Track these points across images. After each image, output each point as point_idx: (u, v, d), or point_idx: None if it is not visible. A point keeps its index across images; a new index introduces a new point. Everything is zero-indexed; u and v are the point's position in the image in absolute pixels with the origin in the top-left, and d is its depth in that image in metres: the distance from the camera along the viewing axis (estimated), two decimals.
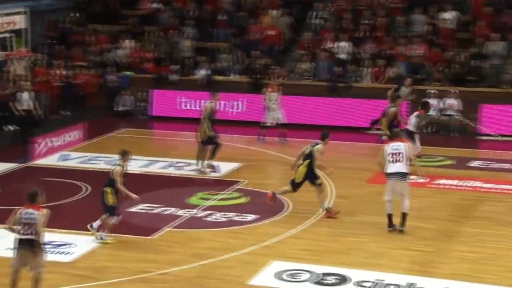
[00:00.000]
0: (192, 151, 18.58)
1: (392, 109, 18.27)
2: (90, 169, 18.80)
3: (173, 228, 14.50)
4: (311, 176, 15.00)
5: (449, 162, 18.88)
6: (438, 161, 19.36)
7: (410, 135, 17.34)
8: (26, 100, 22.16)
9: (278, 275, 12.15)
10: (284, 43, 26.51)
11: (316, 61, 25.25)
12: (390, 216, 14.15)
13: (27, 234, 10.58)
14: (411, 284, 11.78)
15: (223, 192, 16.65)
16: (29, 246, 10.61)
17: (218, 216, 15.18)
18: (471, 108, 21.63)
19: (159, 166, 19.06)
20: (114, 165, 13.73)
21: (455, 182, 17.50)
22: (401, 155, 13.96)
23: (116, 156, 14.25)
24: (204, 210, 15.58)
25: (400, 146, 14.10)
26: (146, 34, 28.01)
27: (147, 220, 14.97)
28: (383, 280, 11.89)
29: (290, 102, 23.13)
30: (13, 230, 10.80)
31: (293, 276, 12.10)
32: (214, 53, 26.71)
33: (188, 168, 18.55)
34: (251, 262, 12.84)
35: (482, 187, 17.14)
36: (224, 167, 18.61)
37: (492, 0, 25.36)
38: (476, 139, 19.57)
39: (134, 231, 14.28)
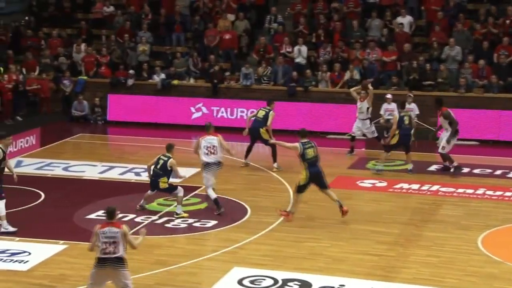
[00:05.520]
0: (149, 156, 18.26)
1: None
2: (45, 175, 18.43)
3: (132, 234, 14.17)
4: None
5: (408, 166, 18.93)
6: (398, 165, 19.41)
7: None
8: None
9: (239, 282, 12.01)
10: (240, 47, 26.39)
11: (273, 65, 25.18)
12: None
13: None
14: None
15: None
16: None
17: (178, 222, 14.97)
18: (428, 112, 21.74)
19: (117, 172, 18.74)
20: (168, 158, 15.12)
21: (414, 186, 17.56)
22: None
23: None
24: (163, 216, 15.36)
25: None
26: (102, 38, 27.65)
27: None
28: (345, 285, 11.83)
29: (250, 107, 23.08)
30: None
31: (254, 282, 11.97)
32: (169, 57, 26.47)
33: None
34: (212, 268, 12.70)
35: (440, 191, 17.22)
36: (183, 173, 18.33)
37: (446, 6, 25.62)
38: (434, 143, 19.67)
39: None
